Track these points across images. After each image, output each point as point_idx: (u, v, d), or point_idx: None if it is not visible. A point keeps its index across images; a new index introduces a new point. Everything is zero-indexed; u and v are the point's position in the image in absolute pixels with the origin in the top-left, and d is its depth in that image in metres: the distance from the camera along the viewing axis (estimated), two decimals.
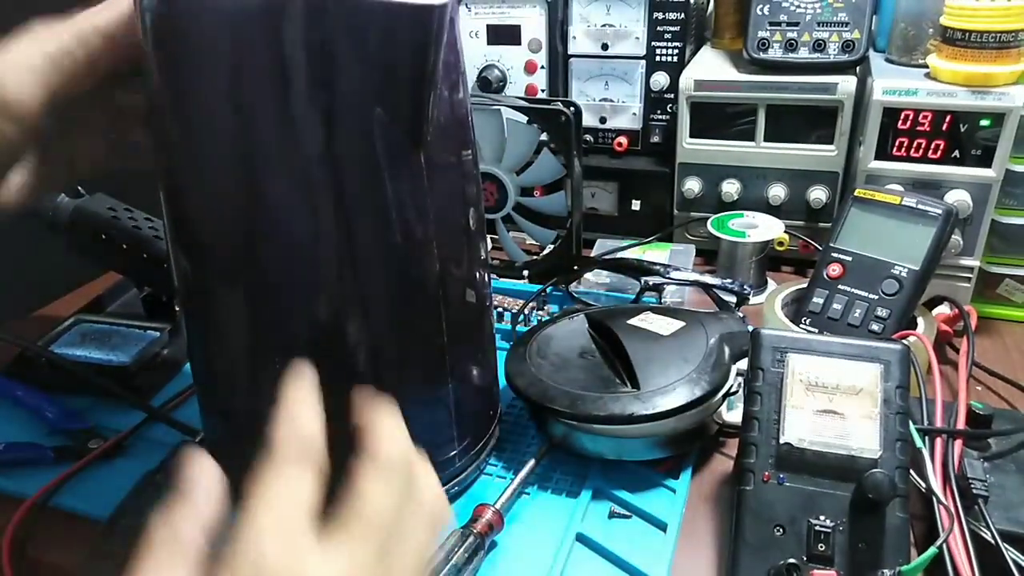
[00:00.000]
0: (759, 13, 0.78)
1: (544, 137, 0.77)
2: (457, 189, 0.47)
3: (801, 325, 0.64)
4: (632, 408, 0.51)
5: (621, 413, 0.51)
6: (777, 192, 0.81)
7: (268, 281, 0.43)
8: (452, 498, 0.54)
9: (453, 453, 0.52)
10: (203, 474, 0.30)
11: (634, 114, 0.88)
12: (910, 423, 0.46)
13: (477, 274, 0.51)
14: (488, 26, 0.87)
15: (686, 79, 0.80)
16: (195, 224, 0.44)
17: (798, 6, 0.77)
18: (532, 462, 0.54)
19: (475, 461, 0.54)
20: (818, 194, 0.80)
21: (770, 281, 0.80)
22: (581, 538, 0.50)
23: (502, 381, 0.58)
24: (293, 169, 0.40)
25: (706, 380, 0.53)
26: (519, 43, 0.87)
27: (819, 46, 0.77)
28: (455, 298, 0.49)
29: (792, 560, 0.43)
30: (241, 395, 0.48)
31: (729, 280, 0.71)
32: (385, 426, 0.33)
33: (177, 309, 0.73)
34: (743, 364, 0.52)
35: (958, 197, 0.69)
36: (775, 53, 0.78)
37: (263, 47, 0.38)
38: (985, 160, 0.68)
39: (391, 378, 0.47)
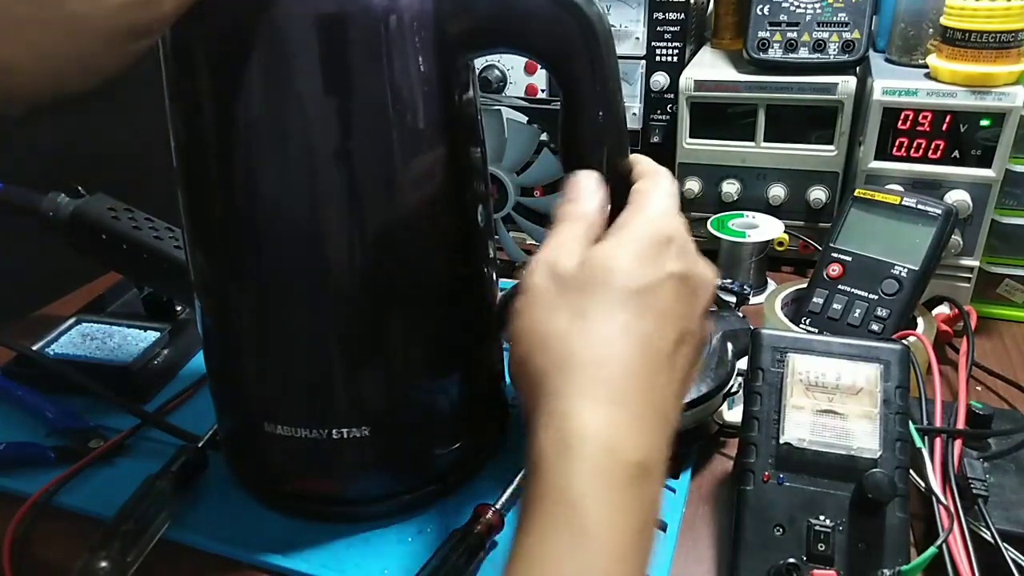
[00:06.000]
0: (759, 13, 0.78)
1: (544, 137, 0.77)
2: (467, 186, 0.48)
3: (801, 325, 0.64)
4: None
5: None
6: (777, 192, 0.81)
7: (280, 271, 0.44)
8: (454, 493, 0.54)
9: (457, 446, 0.52)
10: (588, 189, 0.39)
11: (634, 114, 0.88)
12: (910, 423, 0.46)
13: (485, 270, 0.52)
14: None
15: (686, 79, 0.80)
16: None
17: (798, 6, 0.77)
18: None
19: (479, 458, 0.54)
20: (818, 194, 0.80)
21: (770, 281, 0.80)
22: None
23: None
24: (308, 161, 0.41)
25: (711, 377, 0.53)
26: None
27: (819, 46, 0.77)
28: (462, 293, 0.50)
29: (792, 560, 0.43)
30: (250, 383, 0.50)
31: (729, 280, 0.71)
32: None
33: (177, 308, 0.73)
34: (743, 364, 0.52)
35: (958, 197, 0.69)
36: (775, 53, 0.78)
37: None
38: (985, 160, 0.68)
39: (398, 368, 0.48)
